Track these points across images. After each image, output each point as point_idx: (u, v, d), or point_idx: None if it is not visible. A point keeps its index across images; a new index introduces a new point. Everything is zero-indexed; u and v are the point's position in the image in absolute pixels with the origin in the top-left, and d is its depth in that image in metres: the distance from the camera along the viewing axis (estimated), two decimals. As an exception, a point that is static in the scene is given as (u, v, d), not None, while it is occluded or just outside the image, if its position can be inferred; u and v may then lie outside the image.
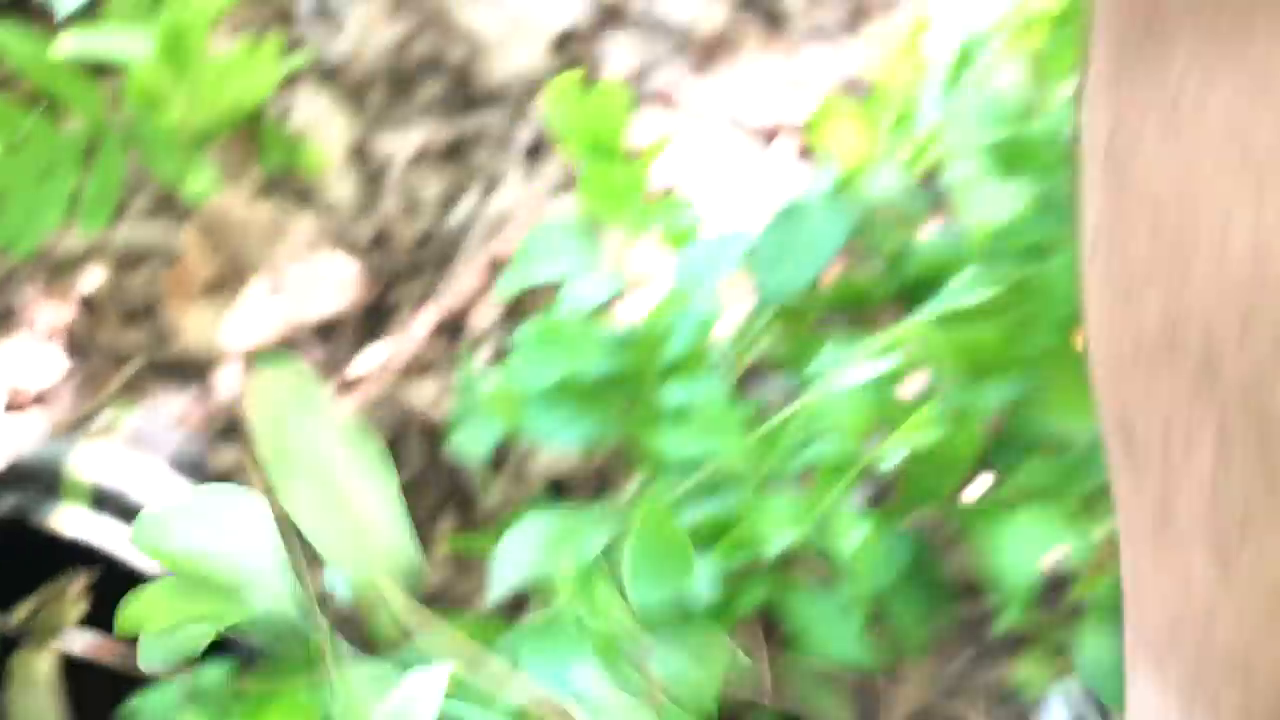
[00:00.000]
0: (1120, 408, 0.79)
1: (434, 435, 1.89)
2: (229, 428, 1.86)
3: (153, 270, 1.91)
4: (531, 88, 2.17)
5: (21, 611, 1.71)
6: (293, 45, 2.14)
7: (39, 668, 1.73)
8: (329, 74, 2.16)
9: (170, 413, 1.86)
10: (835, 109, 1.65)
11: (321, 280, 1.93)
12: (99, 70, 2.01)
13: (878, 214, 1.60)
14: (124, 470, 1.76)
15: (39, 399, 1.83)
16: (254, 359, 1.90)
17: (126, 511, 1.74)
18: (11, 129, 1.91)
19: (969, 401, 1.38)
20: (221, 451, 1.84)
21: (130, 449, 1.80)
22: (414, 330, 1.93)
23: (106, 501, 1.76)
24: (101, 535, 1.73)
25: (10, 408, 1.81)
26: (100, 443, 1.80)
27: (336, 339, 1.96)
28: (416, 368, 1.91)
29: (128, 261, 1.92)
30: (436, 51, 2.20)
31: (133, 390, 1.87)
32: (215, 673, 1.41)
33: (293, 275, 1.92)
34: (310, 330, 1.93)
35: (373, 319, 2.00)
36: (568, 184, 2.04)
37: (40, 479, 1.76)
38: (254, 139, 2.05)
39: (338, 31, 2.21)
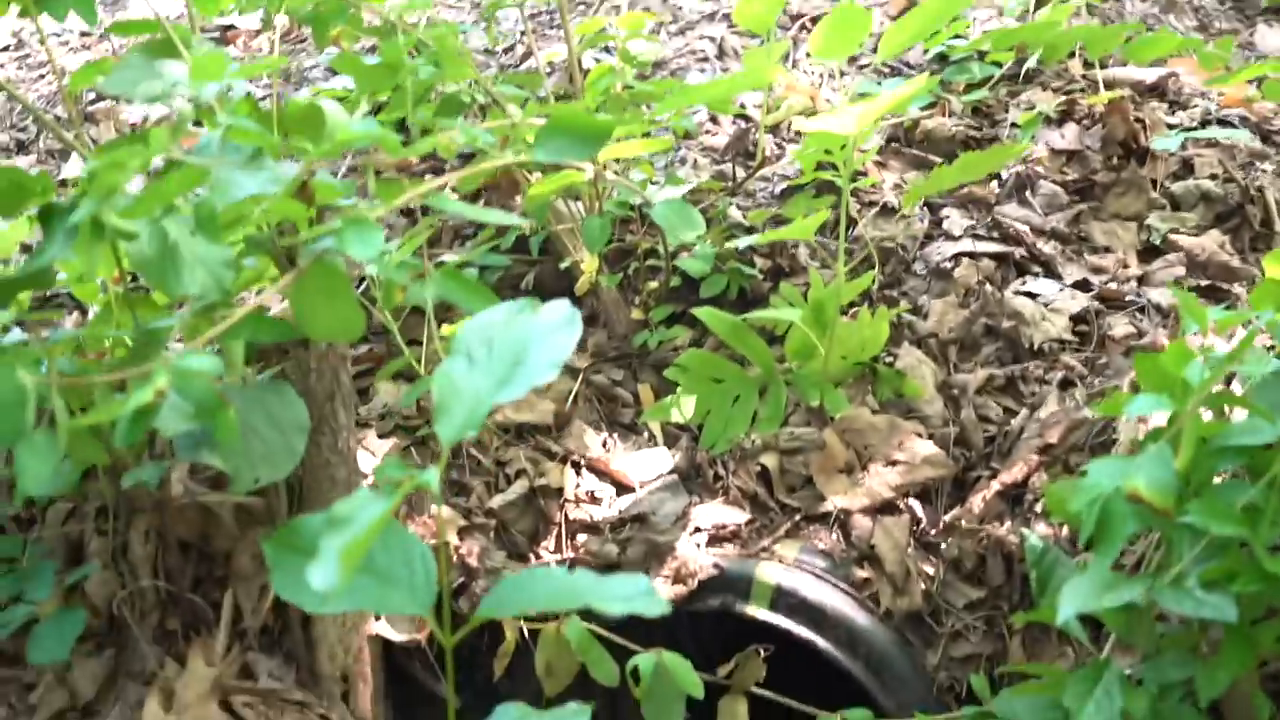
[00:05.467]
0: None
1: (1009, 557, 2.72)
2: (861, 557, 2.78)
3: (806, 456, 2.92)
4: (1056, 348, 3.10)
5: (724, 670, 2.66)
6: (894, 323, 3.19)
7: (738, 710, 2.65)
8: (920, 341, 3.18)
9: (819, 547, 2.81)
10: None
11: (921, 462, 2.86)
12: (765, 333, 3.12)
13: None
14: (794, 577, 2.72)
15: (734, 535, 2.84)
16: (873, 511, 2.83)
17: (795, 607, 2.69)
18: (715, 370, 3.05)
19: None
20: (855, 571, 2.76)
21: (795, 566, 2.76)
22: (984, 496, 2.80)
23: (783, 598, 2.70)
24: (780, 620, 2.67)
25: (713, 540, 2.82)
26: (776, 562, 2.77)
27: (932, 497, 2.87)
28: (989, 517, 2.76)
29: (789, 451, 2.95)
30: (994, 324, 3.17)
31: (795, 532, 2.85)
32: None
33: (901, 457, 2.87)
34: (915, 490, 2.85)
35: (956, 488, 2.90)
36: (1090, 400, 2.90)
37: (738, 585, 2.75)
38: (871, 377, 3.07)
39: (926, 313, 3.25)
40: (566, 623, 2.57)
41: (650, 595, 1.27)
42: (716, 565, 2.75)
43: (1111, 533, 1.88)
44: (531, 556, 2.85)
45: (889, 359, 3.12)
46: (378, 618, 2.76)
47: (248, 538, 2.74)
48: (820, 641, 2.67)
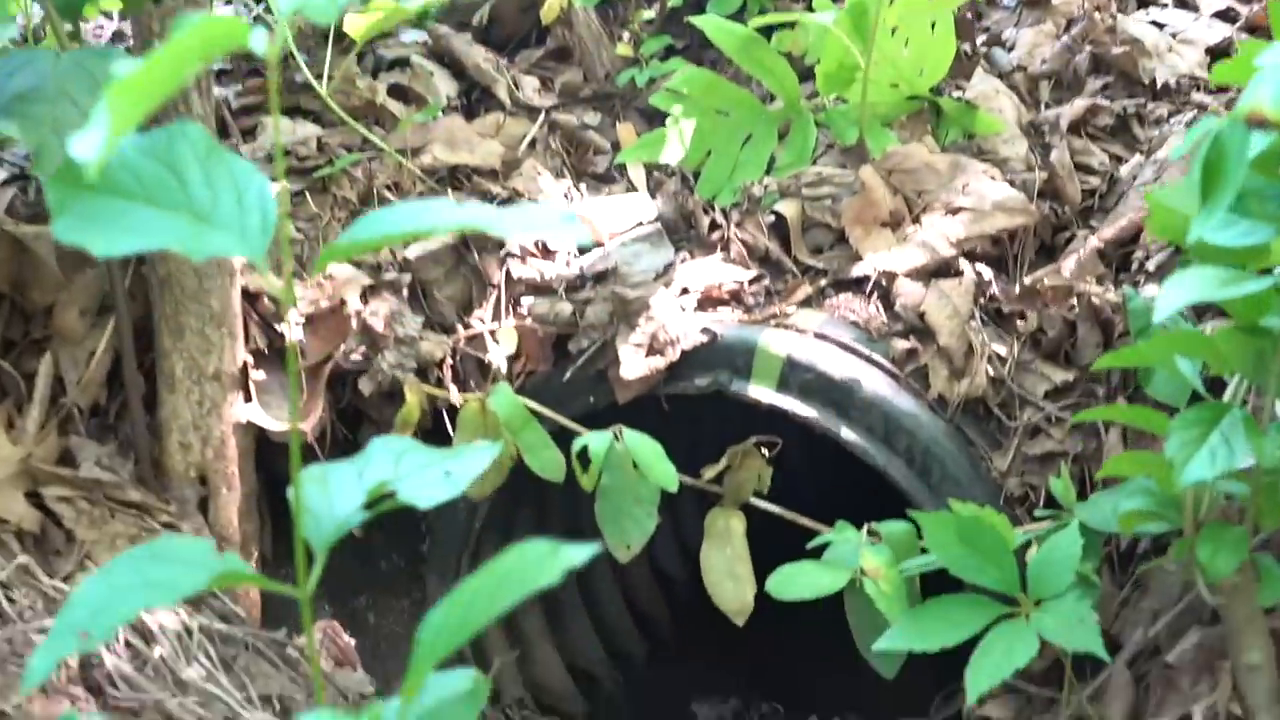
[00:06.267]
0: None
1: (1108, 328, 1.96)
2: (907, 330, 2.03)
3: (837, 205, 2.16)
4: (1187, 85, 2.33)
5: (710, 471, 1.92)
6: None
7: (732, 526, 1.92)
8: (1002, 75, 2.41)
9: (847, 317, 2.06)
10: None
11: (992, 208, 2.10)
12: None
13: None
14: (811, 348, 1.97)
15: (733, 296, 2.09)
16: (925, 274, 2.08)
17: (812, 387, 1.94)
18: (721, 99, 2.30)
19: None
20: (897, 345, 2.01)
21: (815, 339, 2.01)
22: (1079, 254, 2.04)
23: (795, 373, 1.96)
24: (792, 404, 1.93)
25: (704, 303, 2.08)
26: (789, 331, 2.03)
27: (1006, 260, 2.11)
28: (1083, 279, 2.00)
29: (815, 198, 2.19)
30: (1102, 53, 2.40)
31: (818, 300, 2.10)
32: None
33: (965, 203, 2.11)
34: (983, 247, 2.09)
35: (1042, 256, 2.14)
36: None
37: (735, 357, 2.01)
38: (930, 115, 2.31)
39: (1011, 45, 2.49)
40: (492, 392, 1.84)
41: (571, 223, 0.94)
42: (707, 331, 2.01)
43: (1224, 173, 1.26)
44: (459, 328, 2.13)
45: (957, 92, 2.35)
46: (248, 398, 2.06)
47: (75, 286, 2.04)
48: (846, 432, 1.94)
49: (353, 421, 2.19)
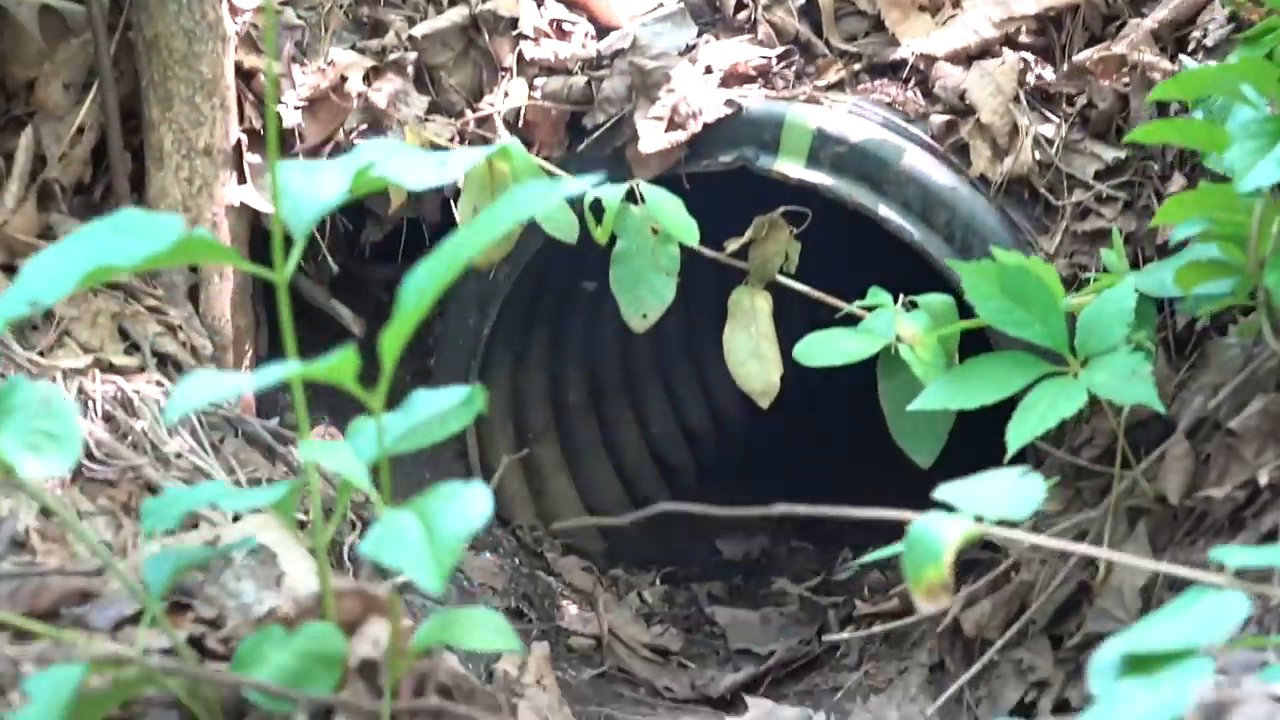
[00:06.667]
0: None
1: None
2: (947, 110, 1.90)
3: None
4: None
5: (734, 244, 1.79)
6: None
7: (758, 304, 1.79)
8: None
9: (883, 100, 1.94)
10: None
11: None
12: None
13: None
14: (844, 121, 1.84)
15: (761, 73, 1.96)
16: (966, 57, 1.94)
17: (845, 160, 1.82)
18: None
19: None
20: (937, 120, 1.88)
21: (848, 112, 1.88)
22: (1132, 36, 1.90)
23: (826, 147, 1.84)
24: (823, 179, 1.80)
25: (729, 79, 1.94)
26: (819, 105, 1.90)
27: (1053, 47, 1.97)
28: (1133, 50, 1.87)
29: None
30: None
31: (852, 84, 1.97)
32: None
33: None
34: (1028, 30, 1.96)
35: (1092, 38, 2.00)
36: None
37: (762, 131, 1.89)
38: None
39: None
40: (500, 150, 1.71)
41: None
42: (731, 104, 1.89)
43: None
44: (468, 112, 2.00)
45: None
46: (242, 179, 1.94)
47: (59, 58, 1.92)
48: (881, 208, 1.81)
49: (354, 214, 2.06)
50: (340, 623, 1.06)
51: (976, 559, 1.74)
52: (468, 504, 0.90)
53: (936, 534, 0.99)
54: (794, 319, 1.84)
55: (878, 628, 1.80)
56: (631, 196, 1.65)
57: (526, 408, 2.47)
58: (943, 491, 1.04)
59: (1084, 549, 1.12)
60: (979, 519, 0.98)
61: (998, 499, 1.03)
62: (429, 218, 2.02)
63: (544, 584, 2.14)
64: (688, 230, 1.61)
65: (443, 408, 1.11)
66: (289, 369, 0.88)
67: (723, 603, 2.23)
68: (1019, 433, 1.42)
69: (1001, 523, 0.99)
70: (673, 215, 1.62)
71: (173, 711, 1.06)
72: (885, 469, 1.79)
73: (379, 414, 0.94)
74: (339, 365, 0.87)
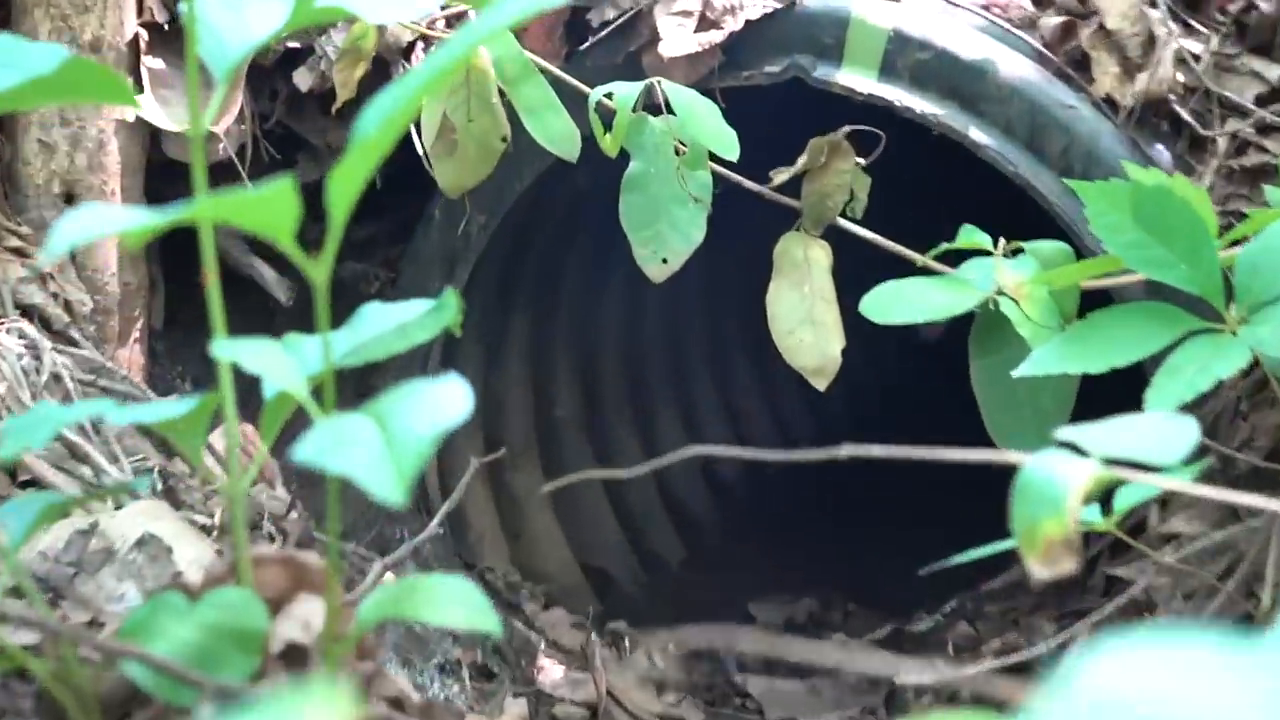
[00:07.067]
0: None
1: None
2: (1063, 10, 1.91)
3: None
4: None
5: (782, 174, 1.78)
6: None
7: (812, 255, 1.77)
8: None
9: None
10: None
11: None
12: None
13: None
14: (928, 21, 1.85)
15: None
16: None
17: (928, 71, 1.83)
18: None
19: None
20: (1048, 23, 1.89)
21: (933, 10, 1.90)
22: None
23: (905, 52, 1.85)
24: (900, 95, 1.81)
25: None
26: (895, 0, 1.92)
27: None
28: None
29: None
30: None
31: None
32: None
33: None
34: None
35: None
36: None
37: (821, 34, 1.89)
38: None
39: None
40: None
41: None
42: (780, -1, 1.89)
43: None
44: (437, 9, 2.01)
45: None
46: (139, 86, 1.94)
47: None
48: (976, 133, 1.80)
49: (283, 140, 2.07)
50: (262, 599, 1.04)
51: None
52: (436, 399, 0.88)
53: (1056, 477, 0.97)
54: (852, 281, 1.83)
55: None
56: (651, 103, 1.64)
57: (501, 420, 2.46)
58: (1066, 432, 1.03)
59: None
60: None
61: (1139, 440, 1.01)
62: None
63: (521, 637, 2.12)
64: (727, 142, 1.60)
65: (403, 319, 1.10)
66: (199, 208, 0.85)
67: (756, 671, 2.20)
68: (1160, 401, 1.40)
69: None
70: (707, 125, 1.61)
71: (28, 701, 1.04)
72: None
73: (322, 288, 0.92)
74: (273, 202, 0.85)
